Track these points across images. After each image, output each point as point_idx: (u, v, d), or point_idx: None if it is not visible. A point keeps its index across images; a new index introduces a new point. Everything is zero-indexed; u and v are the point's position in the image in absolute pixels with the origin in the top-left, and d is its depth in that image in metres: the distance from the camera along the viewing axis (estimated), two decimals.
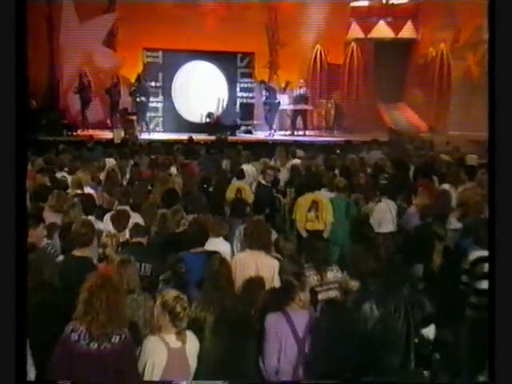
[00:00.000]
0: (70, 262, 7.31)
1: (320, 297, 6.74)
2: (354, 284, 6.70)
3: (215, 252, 7.49)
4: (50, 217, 9.16)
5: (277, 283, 6.88)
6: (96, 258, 7.60)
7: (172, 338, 5.62)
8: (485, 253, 7.95)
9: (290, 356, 5.76)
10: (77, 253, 7.31)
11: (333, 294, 6.89)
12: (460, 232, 9.63)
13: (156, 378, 5.41)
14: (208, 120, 26.93)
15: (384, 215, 11.27)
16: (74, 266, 7.15)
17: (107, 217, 9.58)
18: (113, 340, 5.33)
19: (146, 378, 5.33)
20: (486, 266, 7.97)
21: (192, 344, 5.64)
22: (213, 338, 5.79)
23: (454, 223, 10.03)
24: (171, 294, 5.76)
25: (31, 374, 5.40)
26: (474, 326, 7.36)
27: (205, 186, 13.45)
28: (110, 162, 16.20)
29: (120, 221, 8.89)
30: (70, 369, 5.16)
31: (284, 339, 5.82)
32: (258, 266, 7.47)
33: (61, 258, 7.68)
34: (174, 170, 15.05)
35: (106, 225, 9.25)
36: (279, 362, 5.76)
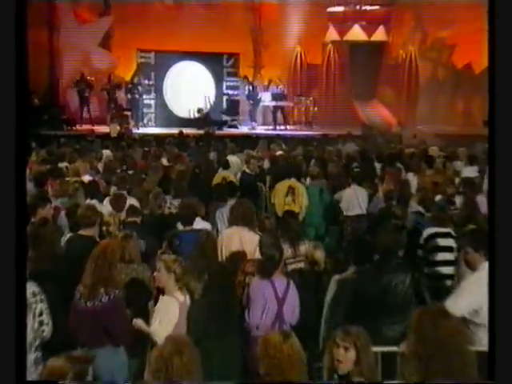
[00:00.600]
0: (77, 240, 7.61)
1: (291, 267, 7.10)
2: (320, 256, 7.03)
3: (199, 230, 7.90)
4: (54, 201, 9.37)
5: (257, 255, 7.10)
6: (98, 235, 7.89)
7: (178, 294, 6.07)
8: (437, 229, 8.51)
9: (271, 314, 6.12)
10: (83, 232, 7.61)
11: (301, 265, 7.21)
12: (419, 213, 9.94)
13: (169, 333, 5.54)
14: (198, 115, 26.76)
15: (351, 200, 11.60)
16: (80, 243, 7.45)
17: (107, 200, 9.82)
18: (103, 299, 5.73)
19: (163, 333, 5.54)
20: (438, 241, 8.40)
21: (187, 298, 6.09)
22: (201, 300, 6.13)
23: (415, 206, 10.35)
24: (170, 258, 6.27)
25: (48, 333, 5.73)
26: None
27: (196, 170, 13.68)
28: (107, 153, 16.33)
29: (118, 203, 9.22)
30: (74, 326, 5.61)
31: (268, 300, 6.16)
32: (241, 240, 7.72)
33: (67, 236, 7.91)
34: (164, 160, 15.11)
35: (106, 207, 9.48)
36: (261, 318, 6.12)
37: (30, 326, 5.47)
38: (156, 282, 6.33)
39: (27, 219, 5.16)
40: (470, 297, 5.79)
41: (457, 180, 12.42)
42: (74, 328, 5.69)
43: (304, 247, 7.42)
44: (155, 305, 6.32)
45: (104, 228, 8.03)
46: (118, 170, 13.77)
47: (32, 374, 5.53)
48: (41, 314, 5.64)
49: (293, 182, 11.73)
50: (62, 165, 13.67)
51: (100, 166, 14.52)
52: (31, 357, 5.56)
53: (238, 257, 7.08)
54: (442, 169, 14.11)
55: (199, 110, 26.79)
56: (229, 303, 6.14)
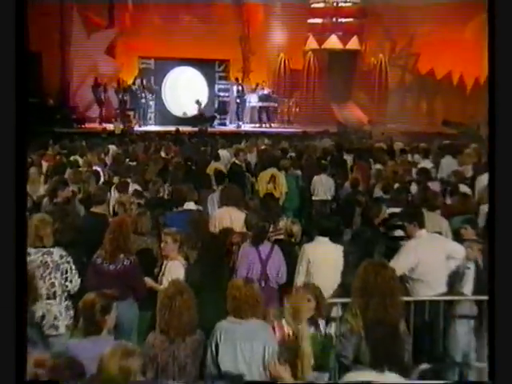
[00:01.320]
0: (90, 216, 8.24)
1: (272, 239, 7.40)
2: (297, 230, 7.52)
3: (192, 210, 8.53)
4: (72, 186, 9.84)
5: (244, 229, 7.60)
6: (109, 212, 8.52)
7: (181, 259, 6.63)
8: (393, 210, 8.79)
9: (256, 273, 6.58)
10: (94, 209, 8.24)
11: (281, 236, 7.58)
12: (381, 199, 10.24)
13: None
14: (196, 105, 26.76)
15: (317, 187, 12.25)
16: (93, 218, 8.10)
17: (113, 187, 10.21)
18: (125, 263, 6.35)
19: None
20: (394, 220, 8.84)
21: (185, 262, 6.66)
22: (197, 263, 6.67)
23: (378, 192, 10.88)
24: (173, 231, 6.79)
25: (72, 288, 6.21)
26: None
27: (188, 163, 13.90)
28: (113, 148, 16.47)
29: (123, 188, 9.70)
30: (97, 283, 5.99)
31: (252, 262, 6.66)
32: (231, 217, 8.22)
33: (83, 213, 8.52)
34: (163, 154, 15.46)
35: (113, 192, 9.95)
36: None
37: (57, 282, 6.00)
38: (163, 250, 6.77)
39: (25, 214, 4.52)
40: (407, 257, 6.59)
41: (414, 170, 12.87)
42: (95, 286, 5.84)
43: (283, 223, 7.84)
44: (160, 269, 6.78)
45: (117, 206, 8.48)
46: (123, 162, 14.12)
47: (64, 319, 6.07)
48: (66, 272, 6.12)
49: (274, 171, 12.12)
50: (75, 157, 13.92)
51: (107, 159, 14.81)
52: (62, 306, 6.07)
53: (228, 231, 7.46)
54: (402, 160, 14.43)
55: (197, 101, 26.75)
56: (219, 266, 6.53)
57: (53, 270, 6.10)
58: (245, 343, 4.75)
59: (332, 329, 5.63)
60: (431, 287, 6.58)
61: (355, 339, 4.88)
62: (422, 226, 6.90)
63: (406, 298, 5.87)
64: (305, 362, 4.71)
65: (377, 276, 4.99)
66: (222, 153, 15.45)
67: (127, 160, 14.44)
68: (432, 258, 6.66)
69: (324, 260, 6.78)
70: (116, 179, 11.32)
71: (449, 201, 10.03)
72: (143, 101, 26.91)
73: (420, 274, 6.56)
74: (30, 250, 6.08)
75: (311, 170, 13.14)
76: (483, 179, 11.06)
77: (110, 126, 24.87)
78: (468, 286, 6.36)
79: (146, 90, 26.77)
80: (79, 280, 6.30)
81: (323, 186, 12.36)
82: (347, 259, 6.72)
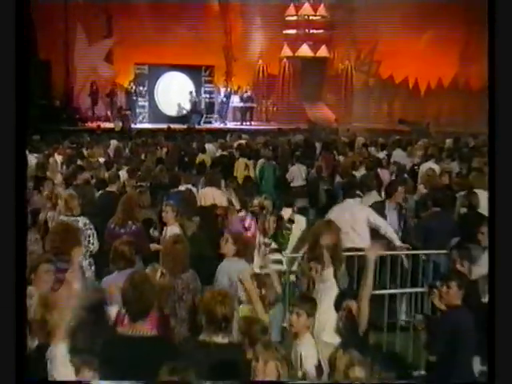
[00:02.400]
0: (105, 193, 9.05)
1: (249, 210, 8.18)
2: (268, 204, 8.15)
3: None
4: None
5: (224, 204, 8.48)
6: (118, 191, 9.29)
7: (177, 225, 7.29)
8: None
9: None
10: (108, 188, 9.10)
11: (256, 209, 8.18)
12: (340, 183, 11.30)
13: None
14: (189, 96, 27.05)
15: (294, 174, 12.83)
16: (107, 195, 8.92)
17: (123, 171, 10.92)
18: (133, 228, 7.16)
19: None
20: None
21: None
22: (189, 230, 7.34)
23: (338, 178, 11.91)
24: (171, 203, 7.58)
25: (94, 249, 6.89)
26: None
27: (182, 153, 14.74)
28: (114, 142, 16.77)
29: (133, 173, 10.47)
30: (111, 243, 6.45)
31: (236, 229, 7.15)
32: (213, 195, 9.06)
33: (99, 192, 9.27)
34: (159, 148, 15.88)
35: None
36: None
37: (83, 244, 6.55)
38: (164, 218, 7.46)
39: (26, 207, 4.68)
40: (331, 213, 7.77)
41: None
42: (110, 245, 6.49)
43: (257, 200, 8.38)
44: (160, 234, 7.56)
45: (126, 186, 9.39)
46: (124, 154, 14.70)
47: (88, 271, 6.62)
48: (89, 237, 6.88)
49: (247, 161, 13.22)
50: (83, 150, 14.48)
51: (109, 152, 15.10)
52: (86, 262, 6.68)
53: (214, 205, 8.33)
54: (360, 152, 15.19)
55: (190, 92, 27.16)
56: (209, 232, 7.33)
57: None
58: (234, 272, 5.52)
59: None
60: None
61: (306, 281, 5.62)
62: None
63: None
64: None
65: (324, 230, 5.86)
66: (208, 146, 15.96)
67: (127, 152, 15.11)
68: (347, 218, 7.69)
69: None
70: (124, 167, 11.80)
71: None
72: (138, 102, 27.10)
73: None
74: (63, 217, 6.91)
75: (285, 160, 13.81)
76: (426, 166, 12.15)
77: (108, 124, 24.95)
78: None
79: (139, 94, 26.96)
80: (98, 243, 7.03)
81: (300, 174, 12.89)
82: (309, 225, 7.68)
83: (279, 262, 6.62)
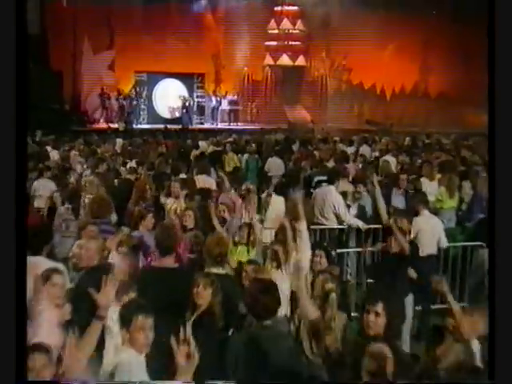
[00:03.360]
0: (124, 180, 9.89)
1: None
2: (253, 188, 8.82)
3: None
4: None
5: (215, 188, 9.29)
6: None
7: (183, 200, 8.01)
8: (320, 177, 10.38)
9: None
10: (127, 176, 10.02)
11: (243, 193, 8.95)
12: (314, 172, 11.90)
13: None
14: (182, 99, 27.17)
15: (274, 166, 13.51)
16: (126, 182, 9.73)
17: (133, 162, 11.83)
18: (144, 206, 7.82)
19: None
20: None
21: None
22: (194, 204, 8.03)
23: (314, 168, 12.56)
24: (177, 180, 8.50)
25: (113, 219, 7.55)
26: None
27: (182, 150, 15.40)
28: (120, 140, 17.42)
29: (142, 161, 11.40)
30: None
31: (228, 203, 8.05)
32: (204, 181, 9.79)
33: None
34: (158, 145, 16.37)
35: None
36: None
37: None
38: (172, 193, 8.14)
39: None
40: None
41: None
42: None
43: (245, 185, 9.10)
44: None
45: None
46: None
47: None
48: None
49: (234, 155, 14.10)
50: (93, 147, 14.85)
51: (116, 147, 15.93)
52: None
53: (205, 189, 9.06)
54: (331, 148, 15.84)
55: (181, 96, 27.41)
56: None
57: None
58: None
59: None
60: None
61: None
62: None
63: None
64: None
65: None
66: (201, 143, 16.67)
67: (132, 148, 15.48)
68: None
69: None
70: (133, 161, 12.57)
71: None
72: (139, 105, 27.37)
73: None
74: (89, 196, 7.76)
75: (267, 155, 14.44)
76: (384, 158, 13.18)
77: (112, 125, 25.31)
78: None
79: (138, 98, 27.23)
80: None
81: (276, 166, 13.54)
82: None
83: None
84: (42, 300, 4.19)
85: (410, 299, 6.46)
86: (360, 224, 8.67)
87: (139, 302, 3.94)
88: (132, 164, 11.66)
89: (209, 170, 10.78)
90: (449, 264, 8.07)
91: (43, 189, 9.33)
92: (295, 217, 5.73)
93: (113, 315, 3.91)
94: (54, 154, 12.70)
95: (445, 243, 7.70)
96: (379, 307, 4.25)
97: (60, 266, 4.84)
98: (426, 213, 7.75)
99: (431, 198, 8.92)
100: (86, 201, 7.71)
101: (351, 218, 8.79)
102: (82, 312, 4.03)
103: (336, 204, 8.75)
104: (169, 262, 5.09)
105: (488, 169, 3.86)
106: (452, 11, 27.33)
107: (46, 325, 4.05)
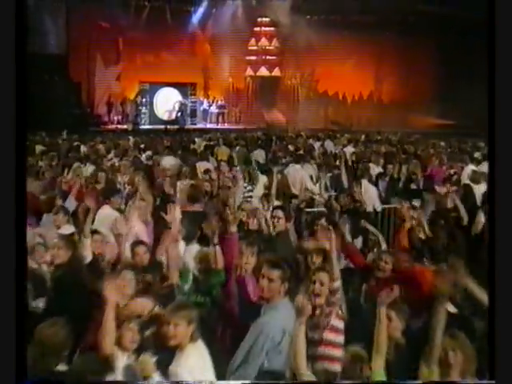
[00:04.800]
0: (145, 167, 10.82)
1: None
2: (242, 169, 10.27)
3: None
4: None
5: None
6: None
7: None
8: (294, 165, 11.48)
9: None
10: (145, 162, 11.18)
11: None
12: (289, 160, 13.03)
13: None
14: (178, 104, 27.39)
15: (258, 157, 14.15)
16: (146, 167, 10.77)
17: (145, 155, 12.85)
18: None
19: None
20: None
21: None
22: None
23: (289, 158, 13.58)
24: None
25: None
26: None
27: (183, 144, 16.04)
28: (130, 138, 17.79)
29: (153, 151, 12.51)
30: None
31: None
32: (199, 166, 10.53)
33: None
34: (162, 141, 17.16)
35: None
36: None
37: None
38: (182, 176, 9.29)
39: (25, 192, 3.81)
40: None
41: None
42: None
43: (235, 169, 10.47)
44: None
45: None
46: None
47: None
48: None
49: (223, 149, 14.93)
50: (110, 143, 15.64)
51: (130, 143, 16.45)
52: None
53: (209, 169, 10.05)
54: (302, 142, 16.93)
55: (177, 102, 27.74)
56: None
57: None
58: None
59: None
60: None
61: None
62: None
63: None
64: None
65: None
66: (197, 140, 17.59)
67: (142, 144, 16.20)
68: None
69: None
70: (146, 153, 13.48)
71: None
72: (142, 110, 27.78)
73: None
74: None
75: (252, 148, 15.39)
76: (346, 150, 14.54)
77: (121, 126, 25.91)
78: None
79: (142, 104, 27.71)
80: None
81: (261, 157, 14.28)
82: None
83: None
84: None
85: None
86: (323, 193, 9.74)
87: None
88: (148, 153, 12.87)
89: (208, 158, 12.03)
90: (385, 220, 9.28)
91: (85, 172, 10.33)
92: None
93: None
94: (83, 149, 13.78)
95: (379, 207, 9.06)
96: None
97: None
98: (365, 182, 9.21)
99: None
100: (125, 179, 8.77)
101: (314, 187, 9.87)
102: None
103: (301, 177, 9.98)
104: (197, 207, 6.56)
105: (488, 168, 3.48)
106: (401, 32, 28.29)
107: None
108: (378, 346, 3.26)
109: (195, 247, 5.34)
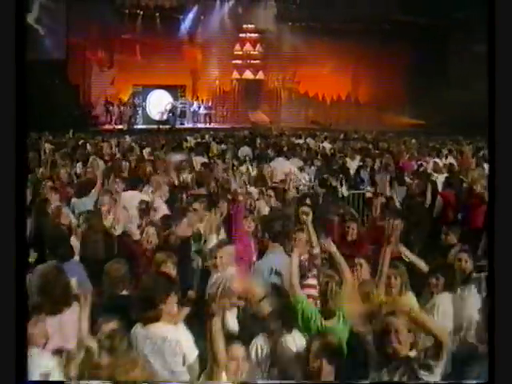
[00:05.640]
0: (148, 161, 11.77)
1: None
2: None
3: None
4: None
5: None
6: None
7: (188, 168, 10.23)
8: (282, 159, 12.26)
9: None
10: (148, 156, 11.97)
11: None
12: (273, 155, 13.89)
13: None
14: (169, 106, 27.49)
15: (244, 152, 14.82)
16: (149, 161, 11.63)
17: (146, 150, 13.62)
18: None
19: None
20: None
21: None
22: None
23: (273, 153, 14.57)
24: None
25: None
26: None
27: (177, 142, 16.65)
28: (126, 137, 18.38)
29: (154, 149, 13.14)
30: None
31: None
32: (195, 161, 11.36)
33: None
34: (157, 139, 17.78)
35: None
36: None
37: None
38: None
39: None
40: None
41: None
42: None
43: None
44: None
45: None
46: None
47: None
48: None
49: (215, 146, 15.72)
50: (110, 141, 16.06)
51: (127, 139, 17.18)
52: None
53: (206, 163, 10.93)
54: (285, 139, 17.83)
55: (168, 103, 27.88)
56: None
57: None
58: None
59: None
60: None
61: None
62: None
63: None
64: None
65: None
66: (189, 138, 18.13)
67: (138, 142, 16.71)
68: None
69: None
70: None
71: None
72: (136, 111, 28.01)
73: None
74: None
75: (238, 145, 16.05)
76: (325, 146, 15.46)
77: (117, 126, 26.19)
78: None
79: (135, 105, 28.03)
80: None
81: (248, 153, 14.60)
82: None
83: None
84: None
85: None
86: (301, 178, 10.60)
87: None
88: (148, 149, 13.68)
89: (202, 153, 12.83)
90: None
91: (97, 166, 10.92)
92: None
93: None
94: (89, 147, 14.48)
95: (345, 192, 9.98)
96: None
97: None
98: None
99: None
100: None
101: (300, 175, 10.66)
102: None
103: (288, 168, 10.73)
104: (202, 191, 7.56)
105: (489, 168, 3.38)
106: (377, 39, 28.99)
107: None
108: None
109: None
